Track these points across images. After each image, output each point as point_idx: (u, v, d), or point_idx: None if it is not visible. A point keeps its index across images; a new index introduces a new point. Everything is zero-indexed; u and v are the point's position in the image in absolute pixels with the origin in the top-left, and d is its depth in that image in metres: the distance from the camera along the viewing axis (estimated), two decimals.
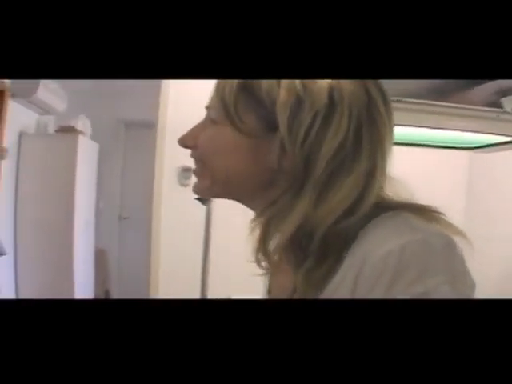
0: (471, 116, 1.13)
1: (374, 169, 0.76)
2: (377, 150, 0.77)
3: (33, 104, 4.96)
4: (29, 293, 5.15)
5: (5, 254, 1.30)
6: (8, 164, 4.80)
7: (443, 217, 0.77)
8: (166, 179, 4.23)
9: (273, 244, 0.80)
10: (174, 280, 3.99)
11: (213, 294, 3.49)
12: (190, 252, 3.76)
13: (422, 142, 1.61)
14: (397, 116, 1.23)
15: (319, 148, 0.74)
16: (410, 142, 1.60)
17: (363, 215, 0.75)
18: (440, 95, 1.09)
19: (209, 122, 0.83)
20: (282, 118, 0.75)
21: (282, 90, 0.75)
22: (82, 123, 5.48)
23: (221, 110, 0.80)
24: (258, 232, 0.81)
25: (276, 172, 0.78)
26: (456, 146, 1.66)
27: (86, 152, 5.57)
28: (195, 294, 3.54)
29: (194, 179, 0.87)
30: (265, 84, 0.76)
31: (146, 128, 5.29)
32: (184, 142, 0.85)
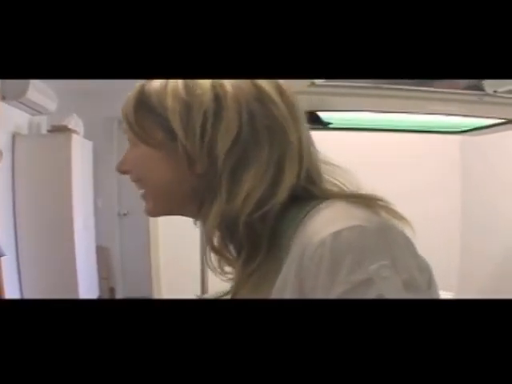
0: (453, 100, 1.12)
1: (283, 157, 0.78)
2: (278, 138, 0.78)
3: (24, 105, 4.95)
4: (33, 296, 5.16)
5: (4, 255, 1.30)
6: (3, 166, 4.79)
7: (382, 203, 0.78)
8: None
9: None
10: (175, 273, 4.00)
11: (213, 285, 3.43)
12: (189, 244, 3.76)
13: (408, 128, 1.60)
14: (379, 102, 1.22)
15: (216, 145, 0.76)
16: (396, 128, 1.59)
17: (284, 204, 0.78)
18: (421, 80, 1.08)
19: (131, 144, 0.86)
20: (176, 126, 0.77)
21: (168, 99, 0.78)
22: (75, 122, 5.47)
23: (129, 131, 0.83)
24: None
25: (194, 177, 0.80)
26: (443, 130, 1.64)
27: (81, 150, 5.57)
28: (196, 286, 3.55)
29: None
30: (155, 96, 0.79)
31: None
32: (120, 169, 0.88)
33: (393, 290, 0.64)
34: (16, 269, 5.13)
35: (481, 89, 1.06)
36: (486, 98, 1.09)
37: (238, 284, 0.85)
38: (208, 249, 0.84)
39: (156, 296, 4.14)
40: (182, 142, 0.77)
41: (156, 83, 0.80)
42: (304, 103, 1.20)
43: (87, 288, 5.62)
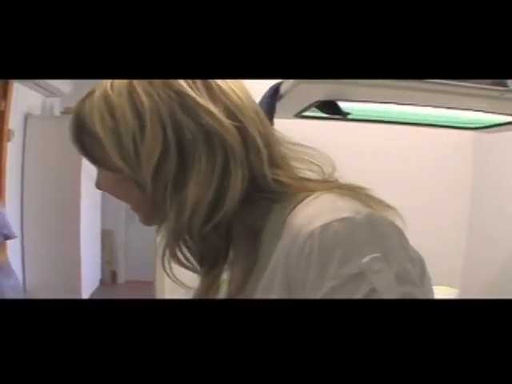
0: (473, 94, 1.11)
1: (226, 163, 0.73)
2: (217, 145, 0.73)
3: (38, 86, 4.97)
4: (36, 275, 5.19)
5: (15, 237, 1.31)
6: (14, 146, 4.82)
7: (369, 193, 0.76)
8: None
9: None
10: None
11: None
12: None
13: (422, 122, 1.59)
14: (395, 94, 1.21)
15: (149, 162, 0.72)
16: (412, 121, 1.59)
17: (258, 203, 0.76)
18: None
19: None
20: (114, 156, 0.74)
21: (99, 129, 0.74)
22: None
23: (84, 156, 0.81)
24: None
25: (148, 197, 0.77)
26: (458, 125, 1.64)
27: None
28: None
29: None
30: (89, 123, 0.76)
31: None
32: (98, 188, 0.85)
33: (385, 283, 0.62)
34: (20, 248, 5.15)
35: (504, 85, 1.06)
36: (508, 95, 1.08)
37: (201, 293, 0.86)
38: (167, 258, 0.79)
39: (158, 282, 4.14)
40: (122, 168, 0.75)
41: (86, 106, 0.77)
42: (323, 92, 1.21)
43: (89, 270, 5.66)
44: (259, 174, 0.75)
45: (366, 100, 1.34)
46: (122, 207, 6.51)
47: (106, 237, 6.31)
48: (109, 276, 6.37)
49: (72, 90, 5.44)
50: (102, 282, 6.22)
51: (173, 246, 0.78)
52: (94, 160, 0.80)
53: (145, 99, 0.72)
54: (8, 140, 4.66)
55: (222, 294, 0.84)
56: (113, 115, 0.73)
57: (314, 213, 0.68)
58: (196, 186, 0.72)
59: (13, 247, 4.87)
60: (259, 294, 0.74)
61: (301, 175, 0.80)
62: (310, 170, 0.80)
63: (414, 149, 2.18)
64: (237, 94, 0.76)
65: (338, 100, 1.31)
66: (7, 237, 1.30)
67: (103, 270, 6.27)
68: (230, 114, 0.74)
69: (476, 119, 1.48)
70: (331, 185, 0.77)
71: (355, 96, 1.30)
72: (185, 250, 0.82)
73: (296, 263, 0.66)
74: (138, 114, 0.72)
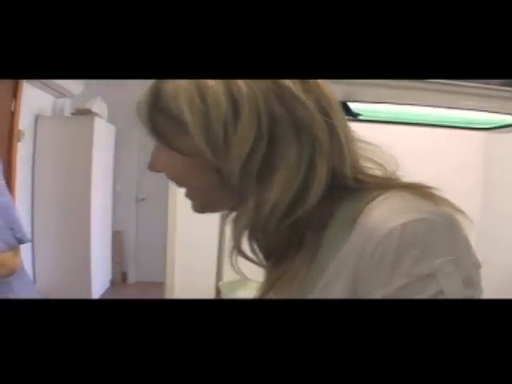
0: (486, 95, 1.10)
1: (313, 157, 0.73)
2: (306, 138, 0.73)
3: (48, 87, 4.99)
4: (46, 276, 5.21)
5: (29, 241, 1.31)
6: (24, 146, 4.83)
7: (440, 194, 0.76)
8: None
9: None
10: (190, 261, 4.01)
11: (229, 275, 3.49)
12: (206, 233, 3.77)
13: (435, 123, 1.59)
14: (405, 95, 1.21)
15: (240, 151, 0.72)
16: (422, 122, 1.58)
17: (332, 199, 0.75)
18: None
19: (158, 147, 0.83)
20: (198, 139, 0.73)
21: (185, 109, 0.73)
22: (98, 106, 5.50)
23: (152, 136, 0.80)
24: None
25: (223, 182, 0.76)
26: (470, 126, 1.63)
27: (103, 134, 5.60)
28: (211, 276, 3.59)
29: None
30: (171, 103, 0.75)
31: None
32: (152, 169, 0.84)
33: (453, 287, 0.64)
34: (31, 248, 5.17)
35: None
36: None
37: (266, 286, 0.85)
38: (234, 251, 0.80)
39: (168, 282, 4.14)
40: (205, 152, 0.74)
41: (168, 87, 0.75)
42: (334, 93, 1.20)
43: (100, 271, 5.67)
44: (338, 170, 0.75)
45: (376, 101, 1.34)
46: (132, 208, 6.55)
47: (117, 238, 6.33)
48: (119, 277, 6.38)
49: (82, 91, 5.45)
50: (112, 282, 6.23)
51: (240, 239, 0.78)
52: (164, 140, 0.78)
53: (243, 86, 0.71)
54: (18, 140, 4.67)
55: (286, 287, 0.81)
56: (204, 99, 0.72)
57: (390, 211, 0.69)
58: (282, 179, 0.72)
59: (23, 248, 4.90)
60: (319, 290, 0.74)
61: (370, 172, 0.80)
62: (375, 168, 0.80)
63: (423, 149, 2.16)
64: (327, 89, 0.76)
65: (347, 101, 1.31)
66: (21, 241, 1.29)
67: (113, 271, 6.29)
68: (321, 108, 0.75)
69: (488, 120, 1.47)
70: (399, 183, 0.78)
71: (365, 97, 1.29)
72: (253, 243, 0.82)
73: (368, 260, 0.67)
74: (233, 100, 0.71)
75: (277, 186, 0.72)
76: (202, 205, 0.84)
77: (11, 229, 1.27)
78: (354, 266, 0.69)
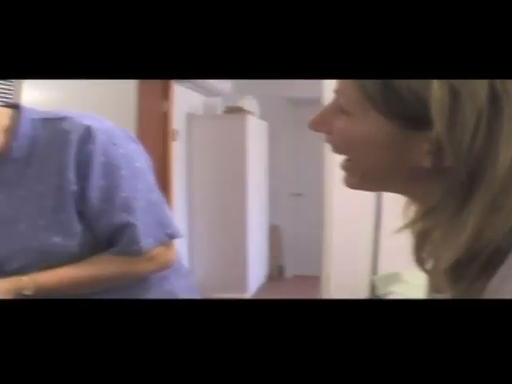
0: None
1: None
2: None
3: (198, 86, 5.17)
4: (203, 272, 5.44)
5: (181, 236, 1.37)
6: (179, 145, 5.06)
7: None
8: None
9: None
10: (346, 255, 3.99)
11: (383, 268, 3.58)
12: (361, 227, 3.76)
13: None
14: None
15: (491, 150, 0.63)
16: None
17: None
18: None
19: (340, 110, 0.75)
20: (440, 119, 0.64)
21: (434, 86, 0.64)
22: (249, 103, 5.61)
23: (362, 101, 0.71)
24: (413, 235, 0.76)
25: (429, 171, 0.68)
26: None
27: (256, 131, 5.72)
28: (366, 267, 3.64)
29: None
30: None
31: (312, 104, 5.28)
32: (315, 126, 0.77)
33: None
34: (187, 245, 5.40)
35: None
36: None
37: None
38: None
39: (323, 276, 4.14)
40: (439, 135, 0.64)
41: None
42: None
43: (256, 265, 5.78)
44: None
45: None
46: (288, 203, 6.62)
47: (274, 232, 6.42)
48: (276, 271, 6.47)
49: (232, 89, 5.59)
50: (269, 276, 6.33)
51: (450, 257, 0.66)
52: (377, 106, 0.70)
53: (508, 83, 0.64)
54: (173, 139, 4.90)
55: None
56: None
57: None
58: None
59: (180, 245, 5.13)
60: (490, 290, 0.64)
61: None
62: None
63: None
64: None
65: None
66: (172, 236, 1.33)
67: (270, 265, 6.38)
68: None
69: None
70: None
71: None
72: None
73: None
74: (495, 92, 0.63)
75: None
76: (356, 181, 0.77)
77: (162, 225, 1.33)
78: None
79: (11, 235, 1.28)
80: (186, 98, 5.24)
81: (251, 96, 5.69)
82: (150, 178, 1.35)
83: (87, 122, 1.24)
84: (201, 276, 5.39)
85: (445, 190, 0.66)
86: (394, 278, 3.16)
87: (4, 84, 2.65)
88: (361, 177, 0.76)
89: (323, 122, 0.76)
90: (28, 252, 1.27)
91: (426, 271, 0.76)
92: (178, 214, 5.08)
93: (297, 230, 6.60)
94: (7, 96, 2.67)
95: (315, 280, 4.55)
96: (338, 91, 0.75)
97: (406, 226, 0.73)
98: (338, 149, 0.76)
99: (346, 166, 0.77)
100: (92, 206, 1.25)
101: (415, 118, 0.66)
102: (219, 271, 5.48)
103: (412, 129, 0.67)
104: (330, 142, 0.77)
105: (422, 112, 0.64)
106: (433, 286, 0.79)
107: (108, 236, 1.29)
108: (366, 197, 3.43)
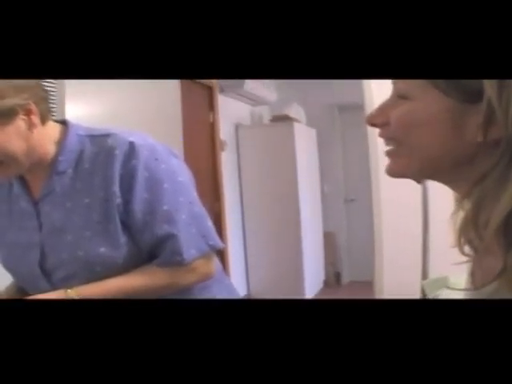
0: None
1: None
2: None
3: (243, 96, 5.22)
4: (259, 280, 5.44)
5: (222, 247, 1.39)
6: (228, 156, 5.11)
7: None
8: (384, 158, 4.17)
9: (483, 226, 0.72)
10: (397, 259, 3.94)
11: (434, 273, 3.48)
12: (412, 231, 3.71)
13: None
14: None
15: None
16: None
17: None
18: None
19: (398, 98, 0.78)
20: (491, 90, 0.67)
21: None
22: (296, 111, 5.63)
23: (422, 82, 0.74)
24: (463, 214, 0.75)
25: (479, 146, 0.70)
26: None
27: (304, 138, 5.72)
28: (417, 272, 3.57)
29: None
30: None
31: (358, 109, 5.25)
32: (372, 120, 0.81)
33: None
34: (243, 254, 5.43)
35: None
36: None
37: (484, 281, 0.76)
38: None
39: (376, 281, 4.09)
40: (491, 107, 0.67)
41: None
42: None
43: (313, 273, 5.75)
44: None
45: None
46: (342, 209, 6.57)
47: (328, 239, 6.38)
48: (332, 278, 6.42)
49: (277, 97, 5.62)
50: (325, 283, 6.30)
51: (499, 215, 0.68)
52: (438, 85, 0.74)
53: None
54: (222, 150, 4.95)
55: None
56: None
57: None
58: None
59: (235, 254, 5.17)
60: None
61: None
62: None
63: None
64: None
65: None
66: (214, 247, 1.37)
67: (327, 272, 6.35)
68: None
69: None
70: None
71: None
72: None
73: None
74: None
75: None
76: (404, 168, 0.79)
77: (204, 236, 1.36)
78: None
79: (59, 245, 1.32)
80: (232, 108, 5.30)
81: (296, 103, 5.71)
82: (192, 192, 1.38)
83: (131, 139, 1.28)
84: (257, 285, 5.41)
85: (493, 162, 0.67)
86: (442, 282, 3.10)
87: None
88: (404, 165, 0.78)
89: (380, 115, 0.79)
90: (75, 262, 1.30)
91: (475, 249, 0.75)
92: (232, 224, 5.12)
93: (352, 235, 6.53)
94: (52, 112, 2.76)
95: (372, 285, 4.50)
96: (396, 82, 0.78)
97: (459, 200, 0.75)
98: (395, 136, 0.78)
99: (393, 151, 0.78)
100: (136, 218, 1.28)
101: (469, 91, 0.69)
102: (275, 279, 5.48)
103: (467, 101, 0.70)
104: (386, 134, 0.79)
105: (476, 84, 0.68)
106: (484, 253, 0.75)
107: (151, 248, 1.32)
108: (415, 198, 3.40)
